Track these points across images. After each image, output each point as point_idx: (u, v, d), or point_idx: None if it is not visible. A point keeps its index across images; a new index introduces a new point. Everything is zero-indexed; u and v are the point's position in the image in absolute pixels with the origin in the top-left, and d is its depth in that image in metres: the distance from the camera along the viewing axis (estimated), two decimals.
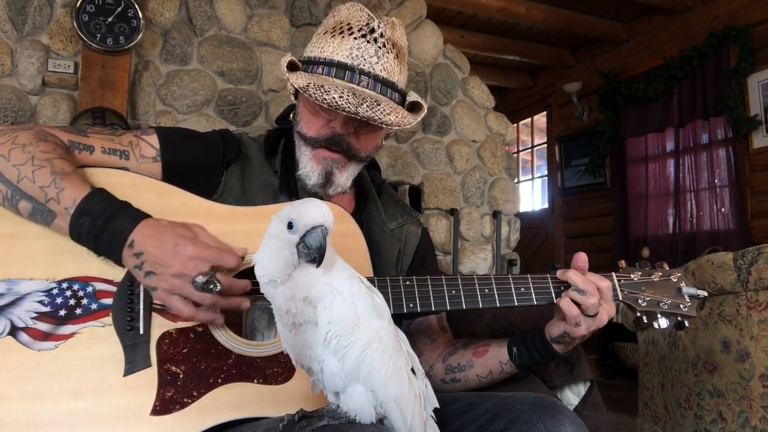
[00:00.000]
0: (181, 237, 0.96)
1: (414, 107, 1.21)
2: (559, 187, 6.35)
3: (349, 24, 1.15)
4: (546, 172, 6.79)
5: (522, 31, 5.67)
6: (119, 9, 3.00)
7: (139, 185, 1.09)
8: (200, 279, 0.93)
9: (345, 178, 1.21)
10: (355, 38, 1.13)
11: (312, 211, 0.78)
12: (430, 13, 4.12)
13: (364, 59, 1.13)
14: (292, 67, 1.17)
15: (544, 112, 6.79)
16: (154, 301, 1.00)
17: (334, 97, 1.05)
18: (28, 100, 2.99)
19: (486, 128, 4.18)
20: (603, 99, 5.58)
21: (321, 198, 1.19)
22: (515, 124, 6.85)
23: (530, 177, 7.17)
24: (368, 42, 1.13)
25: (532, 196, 7.11)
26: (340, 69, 1.13)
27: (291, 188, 1.22)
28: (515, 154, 7.22)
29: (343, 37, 1.14)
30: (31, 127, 1.06)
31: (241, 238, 1.08)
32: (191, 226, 1.01)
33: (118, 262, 0.97)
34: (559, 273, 1.14)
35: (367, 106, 1.07)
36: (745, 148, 4.50)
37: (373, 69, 1.13)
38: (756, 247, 1.92)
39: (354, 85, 1.12)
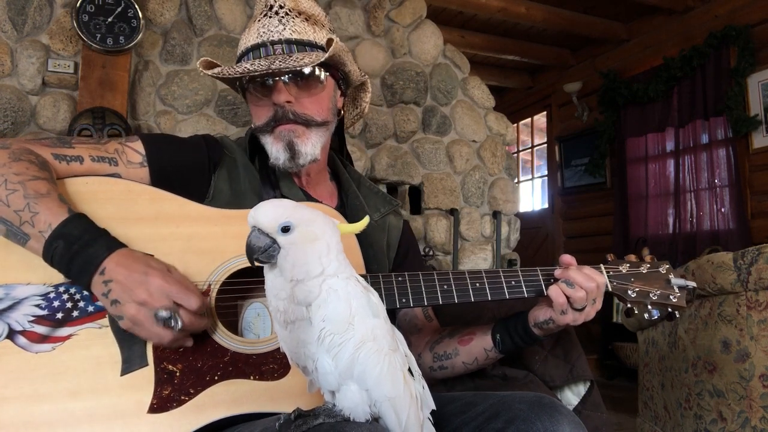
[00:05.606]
0: (151, 268, 0.95)
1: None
2: (559, 187, 6.35)
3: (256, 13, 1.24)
4: (546, 172, 6.79)
5: (522, 31, 5.67)
6: (119, 9, 3.00)
7: (134, 191, 1.10)
8: (162, 313, 0.93)
9: (311, 146, 1.21)
10: (258, 20, 1.22)
11: (248, 215, 0.82)
12: (430, 13, 4.12)
13: (271, 32, 1.19)
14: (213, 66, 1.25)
15: (544, 112, 6.79)
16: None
17: (246, 67, 1.14)
18: (28, 100, 2.99)
19: (486, 128, 4.17)
20: (603, 99, 5.58)
21: (298, 174, 1.26)
22: (515, 124, 6.85)
23: (530, 177, 7.16)
24: (269, 17, 1.20)
25: (532, 196, 7.11)
26: (255, 51, 1.20)
27: (272, 181, 1.24)
28: (515, 154, 7.22)
29: (252, 23, 1.23)
30: (9, 144, 1.04)
31: (235, 241, 1.09)
32: (164, 262, 1.01)
33: (88, 288, 0.96)
34: (558, 273, 1.16)
35: (279, 62, 1.13)
36: (745, 148, 4.50)
37: (282, 35, 1.19)
38: (756, 247, 1.92)
39: (269, 56, 1.18)
